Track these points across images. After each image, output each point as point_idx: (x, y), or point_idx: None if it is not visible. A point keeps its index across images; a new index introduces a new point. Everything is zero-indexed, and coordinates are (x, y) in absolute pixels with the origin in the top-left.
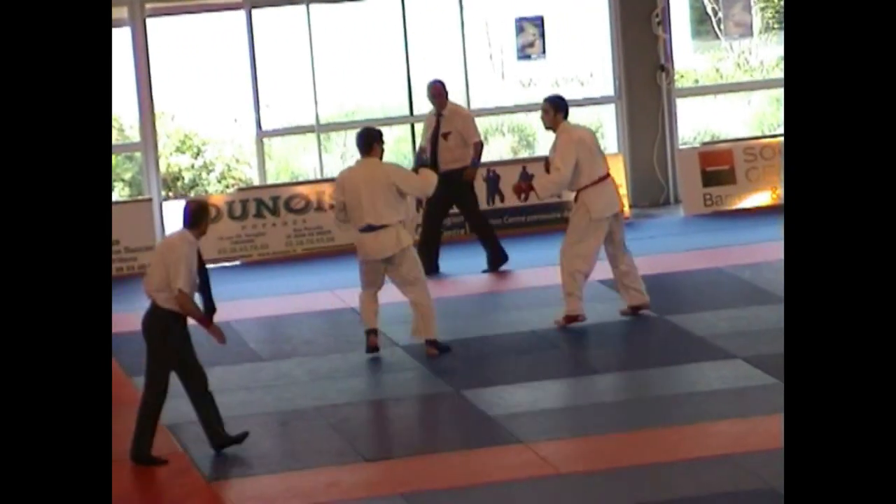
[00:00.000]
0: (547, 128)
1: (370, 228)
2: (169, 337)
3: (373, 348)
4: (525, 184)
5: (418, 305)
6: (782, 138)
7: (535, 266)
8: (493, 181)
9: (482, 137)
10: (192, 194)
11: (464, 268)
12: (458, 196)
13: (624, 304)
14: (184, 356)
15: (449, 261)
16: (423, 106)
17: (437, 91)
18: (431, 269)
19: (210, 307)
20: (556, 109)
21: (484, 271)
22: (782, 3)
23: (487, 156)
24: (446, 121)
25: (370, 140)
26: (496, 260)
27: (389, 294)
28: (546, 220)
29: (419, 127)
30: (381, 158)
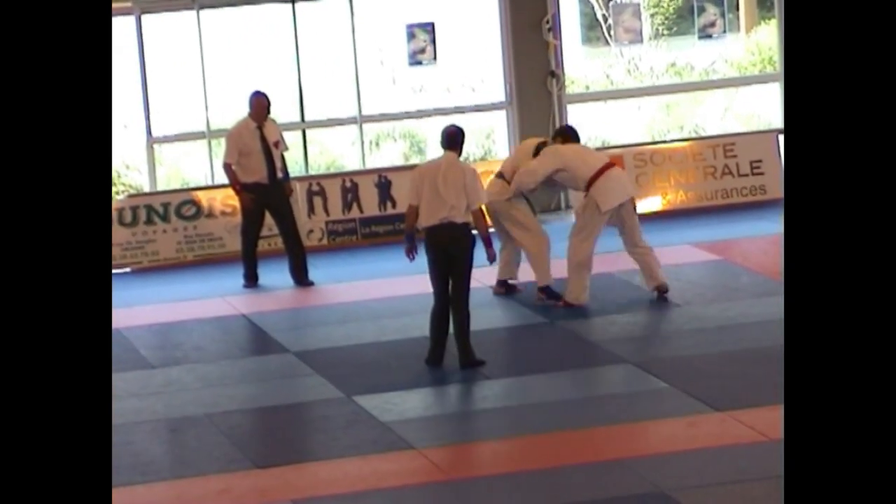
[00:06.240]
0: None
1: None
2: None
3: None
4: None
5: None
6: (673, 144)
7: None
8: (384, 187)
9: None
10: None
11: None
12: (284, 206)
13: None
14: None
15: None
16: (315, 112)
17: (266, 104)
18: (253, 280)
19: None
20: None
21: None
22: (671, 9)
23: (379, 161)
24: (268, 131)
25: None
26: (298, 275)
27: (278, 300)
28: None
29: (311, 133)
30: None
